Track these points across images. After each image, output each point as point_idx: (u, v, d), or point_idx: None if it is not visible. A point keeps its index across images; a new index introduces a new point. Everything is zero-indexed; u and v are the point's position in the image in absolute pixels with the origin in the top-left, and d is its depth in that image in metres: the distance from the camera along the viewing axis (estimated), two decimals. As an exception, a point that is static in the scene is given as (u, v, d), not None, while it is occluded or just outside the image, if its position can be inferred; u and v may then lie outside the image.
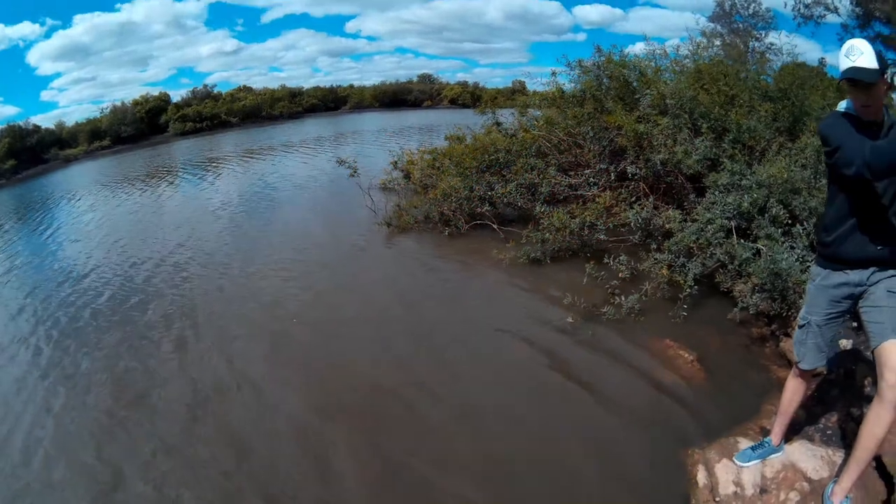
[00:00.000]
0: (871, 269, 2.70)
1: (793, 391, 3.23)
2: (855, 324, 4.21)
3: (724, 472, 3.33)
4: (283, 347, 5.81)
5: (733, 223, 5.61)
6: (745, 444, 3.50)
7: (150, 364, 5.79)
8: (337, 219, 10.66)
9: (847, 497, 2.79)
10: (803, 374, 3.14)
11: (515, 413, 4.41)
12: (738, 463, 3.35)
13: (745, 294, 5.18)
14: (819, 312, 2.91)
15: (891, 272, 2.68)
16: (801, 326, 3.03)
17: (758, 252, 5.33)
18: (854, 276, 2.75)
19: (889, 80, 2.53)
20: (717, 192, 5.92)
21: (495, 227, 8.25)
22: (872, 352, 2.64)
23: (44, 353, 6.31)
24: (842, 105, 2.75)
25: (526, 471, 3.76)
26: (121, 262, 9.52)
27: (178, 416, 4.80)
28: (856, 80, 2.48)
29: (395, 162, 12.01)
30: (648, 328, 5.40)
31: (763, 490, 3.17)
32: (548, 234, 7.02)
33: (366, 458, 4.04)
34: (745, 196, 5.58)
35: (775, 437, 3.36)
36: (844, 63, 2.50)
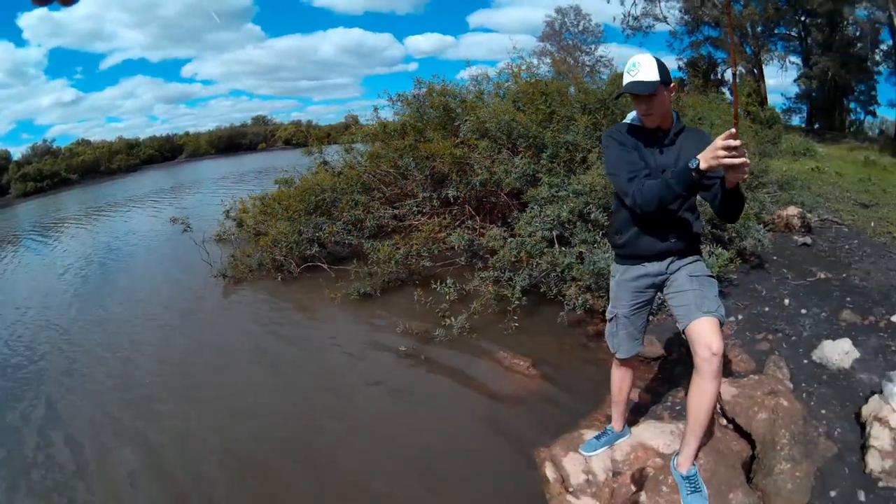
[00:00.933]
0: (669, 259, 2.86)
1: (620, 379, 3.34)
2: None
3: (572, 464, 3.33)
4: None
5: (555, 233, 5.75)
6: (589, 434, 3.51)
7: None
8: (173, 277, 10.04)
9: (694, 464, 2.90)
10: (624, 363, 3.27)
11: (357, 446, 4.22)
12: (584, 453, 3.36)
13: (573, 297, 5.30)
14: (624, 305, 3.03)
15: (690, 259, 2.87)
16: (609, 320, 3.16)
17: (581, 256, 5.45)
18: (652, 267, 2.89)
19: (673, 88, 2.73)
20: (536, 206, 6.08)
21: (326, 267, 8.07)
22: (683, 332, 2.75)
23: None
24: (630, 116, 2.90)
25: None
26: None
27: None
28: (633, 93, 2.62)
29: (228, 211, 11.57)
30: (482, 343, 5.48)
31: (616, 472, 3.22)
32: (375, 268, 6.93)
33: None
34: (564, 206, 5.75)
35: (616, 423, 3.44)
36: (626, 79, 2.65)
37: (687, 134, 2.79)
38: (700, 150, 2.57)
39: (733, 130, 2.24)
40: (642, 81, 2.59)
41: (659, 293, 3.03)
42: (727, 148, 2.25)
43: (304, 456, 4.16)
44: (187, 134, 60.24)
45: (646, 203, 2.58)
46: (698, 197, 2.87)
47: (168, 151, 57.13)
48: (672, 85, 2.71)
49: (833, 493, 2.89)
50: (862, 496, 2.84)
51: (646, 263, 2.88)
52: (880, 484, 2.88)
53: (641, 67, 2.61)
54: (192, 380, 5.66)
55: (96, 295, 9.47)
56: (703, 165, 2.35)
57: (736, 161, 2.25)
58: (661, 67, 2.63)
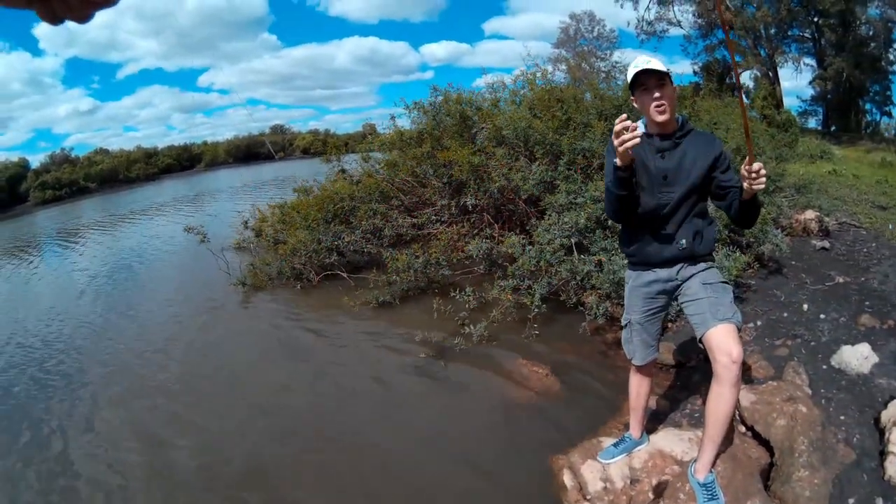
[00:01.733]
0: (679, 266, 2.87)
1: (637, 386, 3.35)
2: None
3: (590, 471, 3.34)
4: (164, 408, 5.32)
5: (573, 240, 5.76)
6: (608, 442, 3.53)
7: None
8: (193, 286, 10.02)
9: (711, 471, 2.92)
10: (641, 370, 3.28)
11: (376, 454, 4.24)
12: (602, 461, 3.37)
13: (593, 305, 5.31)
14: (637, 311, 3.05)
15: (702, 265, 2.87)
16: (624, 327, 3.19)
17: (600, 264, 5.47)
18: (663, 273, 2.90)
19: (675, 90, 2.80)
20: (554, 213, 6.10)
21: (345, 275, 8.11)
22: (700, 341, 2.76)
23: None
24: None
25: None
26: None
27: None
28: (650, 70, 2.64)
29: (246, 222, 11.70)
30: (501, 351, 5.48)
31: (634, 480, 3.21)
32: (394, 277, 6.94)
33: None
34: (581, 213, 5.76)
35: (634, 431, 3.44)
36: (634, 69, 2.69)
37: (694, 137, 2.81)
38: (707, 152, 2.72)
39: (750, 160, 2.38)
40: (655, 68, 2.64)
41: (673, 301, 3.04)
42: (749, 172, 2.38)
43: (324, 460, 4.20)
44: (205, 143, 61.40)
45: (609, 215, 2.73)
46: (711, 203, 2.92)
47: (186, 160, 58.15)
48: (675, 86, 2.77)
49: (851, 501, 2.89)
50: (881, 502, 2.83)
51: (656, 269, 2.90)
52: None
53: (650, 61, 2.67)
54: (214, 387, 5.72)
55: (121, 304, 9.53)
56: (619, 162, 2.48)
57: (759, 185, 2.40)
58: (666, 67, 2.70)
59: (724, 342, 2.60)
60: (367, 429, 4.56)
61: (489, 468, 3.85)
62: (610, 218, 2.78)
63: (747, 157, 2.40)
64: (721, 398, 2.64)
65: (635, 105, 2.82)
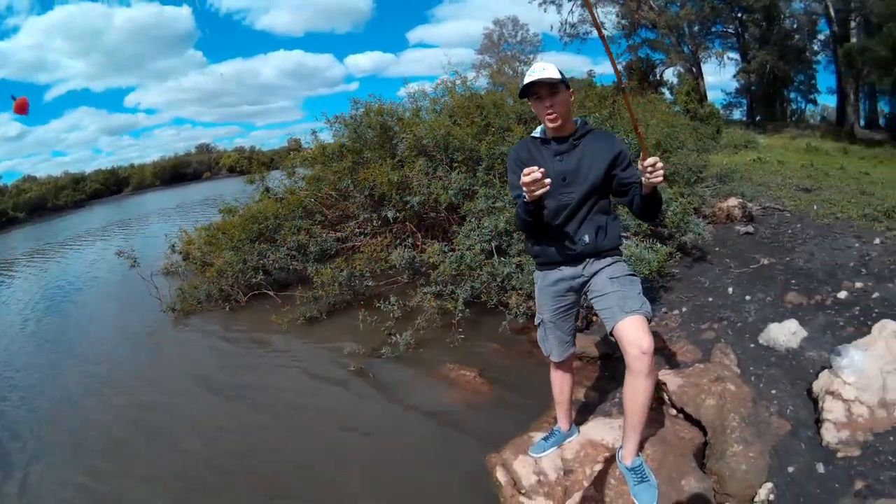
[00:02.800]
0: (584, 262, 2.90)
1: (559, 381, 3.39)
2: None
3: (523, 466, 3.38)
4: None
5: (493, 244, 5.78)
6: (538, 437, 3.57)
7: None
8: (123, 315, 9.73)
9: (639, 455, 2.95)
10: (560, 365, 3.32)
11: (309, 465, 4.26)
12: (533, 455, 3.41)
13: (514, 305, 5.36)
14: (548, 310, 3.08)
15: (608, 259, 2.89)
16: (538, 326, 3.21)
17: (520, 265, 5.52)
18: (568, 271, 2.93)
19: (572, 94, 2.86)
20: (474, 219, 6.13)
21: (272, 294, 8.02)
22: (611, 334, 2.78)
23: None
24: (536, 131, 2.98)
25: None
26: None
27: None
28: (542, 81, 2.68)
29: (173, 245, 11.38)
30: (428, 357, 5.51)
31: (567, 471, 3.26)
32: (320, 291, 6.89)
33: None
34: (501, 217, 5.80)
35: (562, 424, 3.48)
36: (528, 79, 2.72)
37: (592, 137, 2.84)
38: (605, 151, 2.75)
39: (644, 155, 2.45)
40: (547, 77, 2.67)
41: (583, 297, 3.06)
42: (645, 167, 2.44)
43: (258, 478, 4.14)
44: (132, 166, 60.15)
45: (519, 229, 2.84)
46: (613, 198, 2.95)
47: (114, 185, 57.01)
48: (571, 91, 2.81)
49: (791, 469, 2.96)
50: (821, 468, 2.90)
51: (561, 268, 2.91)
52: (839, 454, 2.95)
53: (545, 69, 2.70)
54: (144, 415, 5.55)
55: (50, 335, 9.26)
56: (527, 199, 2.51)
57: (656, 179, 2.45)
58: (562, 73, 2.73)
59: (633, 334, 2.63)
60: (303, 446, 4.53)
61: (425, 472, 3.90)
62: (520, 230, 2.77)
63: (641, 153, 2.45)
64: (636, 389, 2.67)
65: (533, 109, 2.85)
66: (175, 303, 8.52)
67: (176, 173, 58.48)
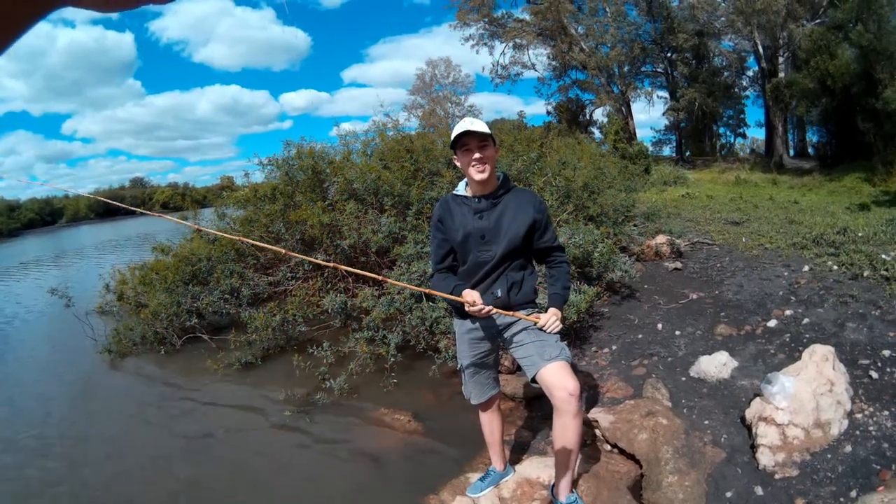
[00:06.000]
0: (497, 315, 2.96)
1: (489, 423, 3.45)
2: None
3: None
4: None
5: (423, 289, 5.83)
6: (474, 477, 3.65)
7: None
8: (56, 356, 9.30)
9: (573, 491, 3.07)
10: (485, 407, 3.38)
11: None
12: (470, 495, 3.47)
13: (444, 349, 5.45)
14: (467, 357, 3.16)
15: (524, 312, 2.95)
16: (460, 371, 3.28)
17: (448, 309, 5.58)
18: (482, 322, 2.99)
19: (497, 149, 2.96)
20: (403, 264, 6.21)
21: (206, 337, 7.85)
22: (533, 381, 2.89)
23: None
24: (458, 187, 3.07)
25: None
26: None
27: None
28: (472, 132, 2.76)
29: (107, 285, 11.00)
30: (362, 403, 5.51)
31: None
32: (253, 336, 6.80)
33: None
34: (429, 262, 5.85)
35: (497, 464, 3.56)
36: (459, 129, 2.81)
37: (513, 195, 2.93)
38: (525, 210, 2.85)
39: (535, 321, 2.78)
40: (477, 129, 2.75)
41: (501, 344, 3.13)
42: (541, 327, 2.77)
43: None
44: (67, 197, 58.17)
45: (436, 294, 2.84)
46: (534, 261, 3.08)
47: (48, 215, 55.54)
48: (497, 147, 2.91)
49: (730, 494, 3.07)
50: (760, 490, 3.02)
51: (474, 320, 2.96)
52: (777, 476, 3.08)
53: (474, 122, 2.79)
54: (71, 466, 5.27)
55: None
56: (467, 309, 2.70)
57: (554, 329, 2.78)
58: (490, 129, 2.84)
59: (558, 379, 2.72)
60: (237, 493, 4.45)
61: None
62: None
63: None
64: (566, 429, 2.75)
65: (457, 164, 2.92)
66: (111, 344, 8.25)
67: (110, 207, 56.79)
